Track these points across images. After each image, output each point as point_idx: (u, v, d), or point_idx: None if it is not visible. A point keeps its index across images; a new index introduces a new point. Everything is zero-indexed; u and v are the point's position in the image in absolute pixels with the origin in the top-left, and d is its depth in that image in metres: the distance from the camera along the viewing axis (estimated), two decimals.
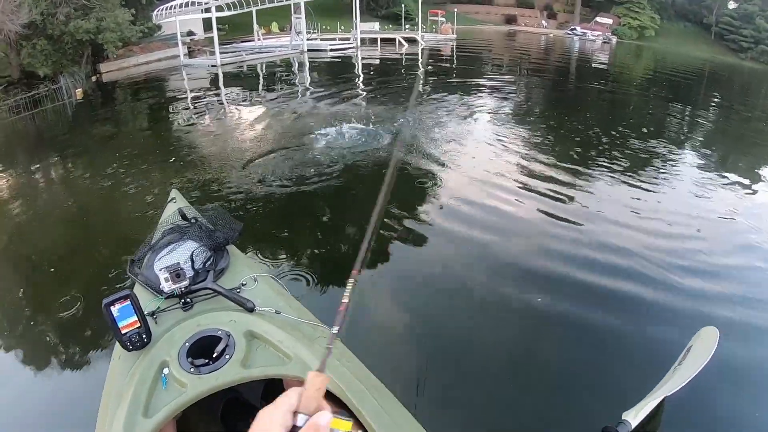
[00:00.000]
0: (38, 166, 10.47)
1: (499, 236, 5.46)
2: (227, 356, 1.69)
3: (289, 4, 24.93)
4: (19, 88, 23.14)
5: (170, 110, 14.11)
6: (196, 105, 14.04)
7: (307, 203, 6.43)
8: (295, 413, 0.77)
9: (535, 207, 6.26)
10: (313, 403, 0.78)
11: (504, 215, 6.02)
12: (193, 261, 2.21)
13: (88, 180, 8.29)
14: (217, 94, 15.97)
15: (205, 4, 21.77)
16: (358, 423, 1.43)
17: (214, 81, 18.24)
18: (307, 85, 16.13)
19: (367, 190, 6.68)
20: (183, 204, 3.05)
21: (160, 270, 2.03)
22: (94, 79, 21.35)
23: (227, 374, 1.63)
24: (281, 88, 15.88)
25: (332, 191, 6.69)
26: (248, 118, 11.53)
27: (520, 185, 6.96)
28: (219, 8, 22.45)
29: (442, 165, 7.68)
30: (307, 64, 21.08)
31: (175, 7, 22.12)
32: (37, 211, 7.28)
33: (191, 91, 17.12)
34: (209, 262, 2.26)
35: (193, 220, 2.60)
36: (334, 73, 19.29)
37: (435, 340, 3.75)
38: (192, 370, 1.65)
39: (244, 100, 13.92)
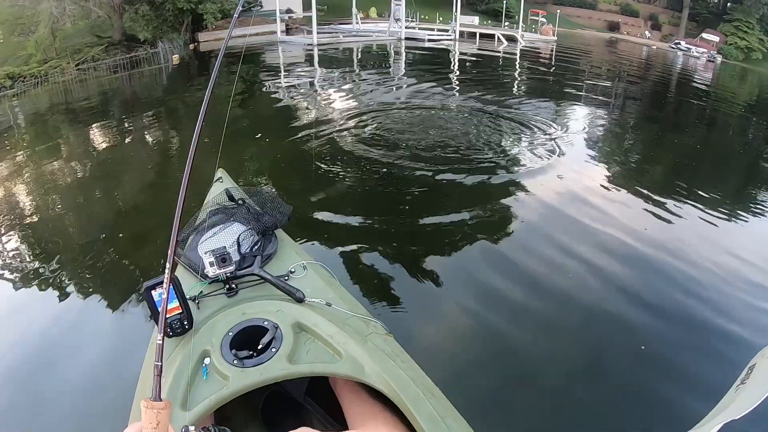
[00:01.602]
0: (130, 124, 10.56)
1: (575, 252, 4.89)
2: (273, 349, 1.57)
3: None
4: (119, 49, 23.88)
5: (262, 84, 13.92)
6: (288, 81, 13.75)
7: (376, 193, 6.05)
8: None
9: (616, 224, 5.65)
10: None
11: (583, 230, 5.42)
12: (239, 245, 2.09)
13: (171, 144, 8.22)
14: (311, 72, 15.61)
15: None
16: None
17: (309, 59, 17.95)
18: (402, 73, 15.50)
19: (448, 190, 6.18)
20: (230, 184, 2.92)
21: (205, 253, 1.93)
22: (191, 47, 21.63)
23: (273, 369, 1.54)
24: (375, 73, 15.30)
25: (407, 185, 6.22)
26: (337, 99, 11.11)
27: (606, 200, 6.29)
28: None
29: (526, 172, 6.89)
30: (404, 51, 20.42)
31: None
32: (118, 166, 7.92)
33: (285, 67, 16.91)
34: (256, 247, 2.14)
35: (240, 202, 2.46)
36: (430, 63, 18.55)
37: (497, 349, 3.53)
38: (235, 362, 1.56)
39: (336, 81, 13.49)
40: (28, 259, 5.17)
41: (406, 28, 23.75)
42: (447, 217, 5.36)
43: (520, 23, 30.35)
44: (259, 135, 8.43)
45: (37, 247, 5.40)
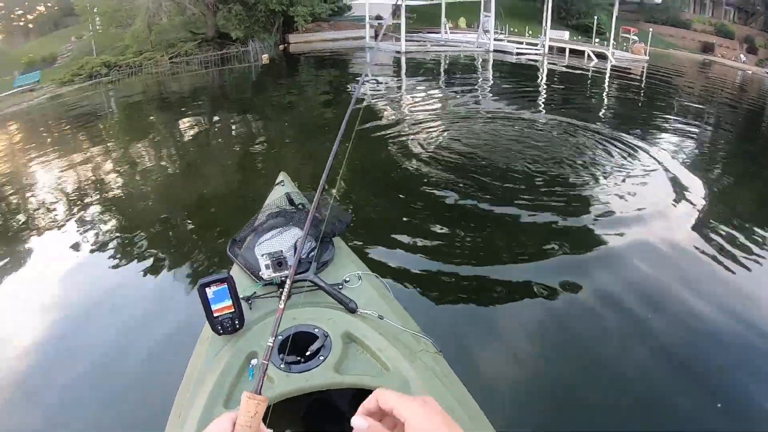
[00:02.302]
0: (217, 118, 10.80)
1: (660, 305, 4.20)
2: (321, 357, 1.53)
3: (480, 1, 24.11)
4: (211, 46, 24.60)
5: (349, 88, 13.87)
6: (374, 86, 13.63)
7: (444, 207, 5.66)
8: None
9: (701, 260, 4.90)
10: (248, 429, 0.71)
11: (668, 287, 4.58)
12: (296, 249, 2.01)
13: (254, 141, 8.28)
14: (398, 79, 15.48)
15: None
16: None
17: (396, 66, 17.82)
18: (488, 85, 15.07)
19: (522, 212, 5.62)
20: (291, 188, 2.97)
21: (262, 255, 1.94)
22: (281, 47, 22.01)
23: (319, 377, 1.49)
24: (462, 83, 14.97)
25: (480, 202, 5.77)
26: (420, 108, 10.80)
27: (696, 239, 5.41)
28: None
29: (609, 209, 6.02)
30: (491, 63, 20.03)
31: None
32: (201, 157, 8.41)
33: (372, 72, 16.86)
34: (313, 253, 2.11)
35: (300, 206, 2.48)
36: (517, 77, 18.07)
37: (549, 389, 3.20)
38: (282, 366, 1.53)
39: (421, 89, 13.27)
40: (104, 229, 5.68)
41: (494, 40, 23.34)
42: (516, 242, 4.93)
43: (611, 40, 29.31)
44: (327, 138, 8.26)
45: (115, 221, 5.93)
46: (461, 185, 6.21)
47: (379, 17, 24.98)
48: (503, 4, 25.10)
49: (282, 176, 3.23)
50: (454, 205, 5.69)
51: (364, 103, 10.90)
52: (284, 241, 2.17)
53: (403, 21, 20.87)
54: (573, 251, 4.76)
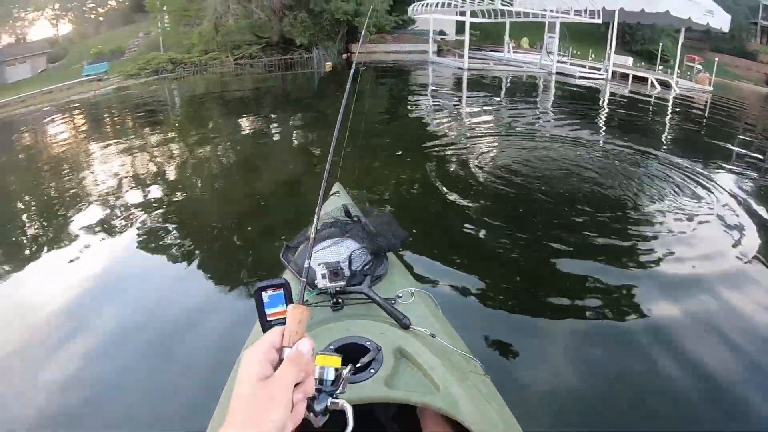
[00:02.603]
0: (277, 121, 11.04)
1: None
2: (372, 370, 1.51)
3: (544, 22, 23.94)
4: (276, 50, 25.13)
5: (409, 101, 13.92)
6: (435, 102, 13.63)
7: (501, 228, 5.51)
8: (279, 349, 0.79)
9: None
10: (296, 336, 0.81)
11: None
12: (350, 261, 2.08)
13: (312, 147, 8.38)
14: (458, 96, 15.44)
15: (461, 6, 21.60)
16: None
17: (458, 82, 17.78)
18: (549, 107, 14.85)
19: (582, 242, 5.34)
20: (346, 200, 2.95)
21: (319, 265, 1.92)
22: (344, 56, 22.27)
23: (368, 390, 1.46)
24: (522, 104, 14.81)
25: (538, 224, 5.62)
26: (480, 127, 10.63)
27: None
28: (474, 14, 22.13)
29: (667, 238, 5.63)
30: (553, 86, 19.84)
31: (431, 5, 22.21)
32: (259, 159, 8.48)
33: (433, 87, 16.87)
34: (367, 266, 2.12)
35: (356, 219, 2.46)
36: (579, 101, 17.79)
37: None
38: None
39: (482, 107, 13.17)
40: (155, 221, 5.85)
41: (557, 62, 23.14)
42: (570, 272, 4.66)
43: (675, 68, 28.65)
44: (386, 152, 8.34)
45: (168, 213, 6.09)
46: (516, 208, 6.13)
47: (442, 33, 25.03)
48: (568, 27, 24.82)
49: (337, 186, 3.22)
50: (508, 228, 5.59)
51: (423, 122, 10.88)
52: (339, 252, 2.18)
53: (466, 37, 20.85)
54: (629, 285, 4.54)
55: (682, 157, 10.00)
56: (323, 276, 1.89)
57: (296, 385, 0.77)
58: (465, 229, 5.47)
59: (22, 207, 7.33)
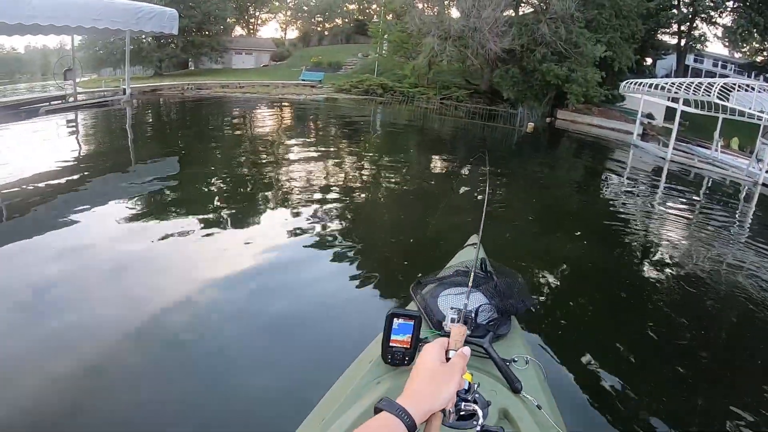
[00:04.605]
0: (462, 167, 11.73)
1: None
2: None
3: (760, 125, 22.55)
4: (482, 99, 26.30)
5: (600, 181, 13.93)
6: (630, 188, 13.51)
7: (640, 334, 5.06)
8: (447, 351, 1.05)
9: None
10: (458, 345, 1.12)
11: None
12: (477, 314, 2.10)
13: (489, 203, 8.54)
14: (655, 187, 15.20)
15: (675, 93, 21.09)
16: None
17: (657, 172, 17.46)
18: (748, 223, 13.09)
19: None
20: (482, 254, 2.85)
21: (451, 309, 1.86)
22: (548, 120, 22.73)
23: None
24: (718, 211, 13.88)
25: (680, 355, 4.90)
26: (669, 227, 10.00)
27: None
28: (686, 102, 21.45)
29: None
30: (755, 199, 18.73)
31: (644, 85, 21.93)
32: (436, 198, 8.88)
33: (630, 171, 16.76)
34: (491, 323, 2.15)
35: (489, 273, 2.46)
36: None
37: None
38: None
39: (675, 206, 12.69)
40: (309, 222, 6.53)
41: (766, 172, 21.75)
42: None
43: None
44: (557, 228, 8.26)
45: (326, 217, 6.84)
46: (661, 319, 5.59)
47: (650, 116, 24.43)
48: None
49: (475, 239, 3.18)
50: (646, 337, 5.16)
51: (611, 208, 10.61)
52: (467, 301, 2.20)
53: (675, 126, 20.21)
54: None
55: None
56: (453, 320, 1.83)
57: None
58: (590, 310, 5.55)
59: (217, 181, 8.56)
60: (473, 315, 2.08)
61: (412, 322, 1.70)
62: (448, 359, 1.03)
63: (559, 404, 2.09)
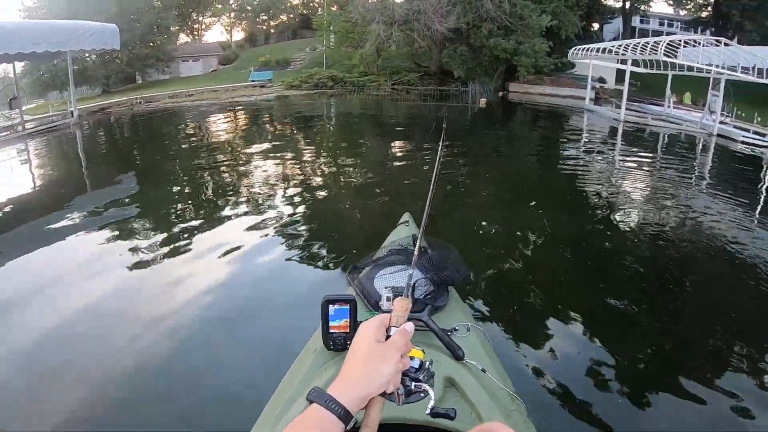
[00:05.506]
0: (417, 148, 11.59)
1: None
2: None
3: (709, 78, 22.79)
4: (433, 80, 26.18)
5: (560, 149, 13.80)
6: (585, 153, 13.40)
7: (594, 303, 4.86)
8: (387, 328, 0.94)
9: None
10: (401, 320, 0.97)
11: None
12: (413, 289, 1.98)
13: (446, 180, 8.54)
14: (612, 149, 15.15)
15: (622, 54, 21.17)
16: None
17: (612, 134, 17.44)
18: (706, 175, 13.04)
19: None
20: (414, 230, 3.02)
21: (386, 288, 2.02)
22: (500, 94, 22.65)
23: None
24: (677, 168, 13.69)
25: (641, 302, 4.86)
26: (630, 185, 9.96)
27: None
28: (635, 62, 21.56)
29: None
30: (712, 150, 18.92)
31: (592, 50, 21.94)
32: (394, 182, 8.84)
33: (586, 135, 16.73)
34: (429, 296, 2.19)
35: (422, 249, 2.40)
36: (738, 171, 16.57)
37: None
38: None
39: (633, 164, 12.61)
40: (262, 217, 6.70)
41: (719, 123, 22.02)
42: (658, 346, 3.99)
43: None
44: (516, 200, 8.15)
45: (273, 211, 6.97)
46: (621, 277, 5.50)
47: (602, 80, 24.54)
48: (735, 85, 23.47)
49: (407, 216, 3.35)
50: (591, 283, 5.31)
51: (569, 174, 10.51)
52: (403, 278, 2.21)
53: (626, 87, 20.29)
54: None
55: None
56: (388, 299, 1.94)
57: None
58: (536, 275, 5.41)
59: (177, 191, 8.59)
60: (410, 291, 1.86)
61: (347, 306, 1.73)
62: (388, 337, 0.95)
63: (507, 367, 2.13)
